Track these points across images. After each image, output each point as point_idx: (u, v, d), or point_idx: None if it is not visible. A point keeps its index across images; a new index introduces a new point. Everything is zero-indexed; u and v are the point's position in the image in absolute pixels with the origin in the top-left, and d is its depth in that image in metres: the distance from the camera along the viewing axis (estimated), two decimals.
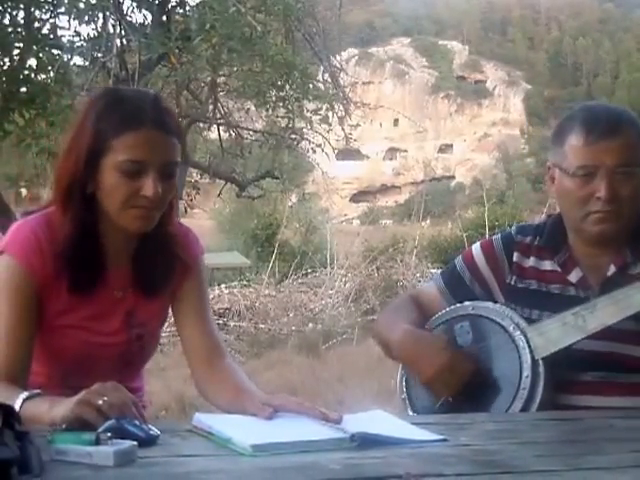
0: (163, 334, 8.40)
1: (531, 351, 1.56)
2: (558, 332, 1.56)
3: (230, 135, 10.59)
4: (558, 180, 1.63)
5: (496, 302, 1.69)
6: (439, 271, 1.87)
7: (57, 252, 1.43)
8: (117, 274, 1.50)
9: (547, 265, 1.68)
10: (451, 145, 78.97)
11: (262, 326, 10.61)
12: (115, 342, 1.51)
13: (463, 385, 1.56)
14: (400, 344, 1.64)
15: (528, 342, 1.56)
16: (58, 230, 1.44)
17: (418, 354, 1.61)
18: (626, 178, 1.58)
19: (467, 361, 1.59)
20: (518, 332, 1.58)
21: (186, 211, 11.04)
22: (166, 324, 1.67)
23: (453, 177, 76.09)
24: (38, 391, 1.29)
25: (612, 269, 1.63)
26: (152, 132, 1.39)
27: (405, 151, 78.18)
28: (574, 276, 1.65)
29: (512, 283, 1.70)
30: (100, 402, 1.18)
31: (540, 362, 1.55)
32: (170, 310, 1.60)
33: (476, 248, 1.76)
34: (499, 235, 1.77)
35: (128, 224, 1.43)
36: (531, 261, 1.70)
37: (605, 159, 1.57)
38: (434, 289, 1.79)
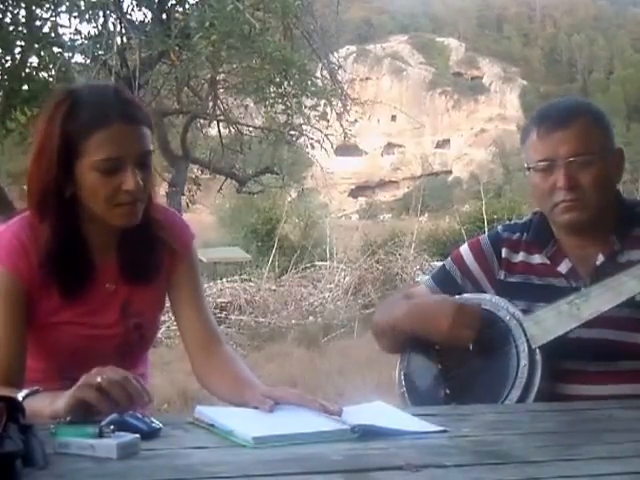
0: (167, 328, 8.34)
1: (527, 340, 1.56)
2: (553, 321, 1.56)
3: (230, 131, 10.60)
4: (529, 177, 1.67)
5: None
6: (429, 275, 1.88)
7: (42, 256, 1.42)
8: (105, 268, 1.49)
9: (536, 259, 1.70)
10: (448, 140, 78.94)
11: (263, 320, 10.61)
12: (113, 334, 1.49)
13: (480, 331, 1.57)
14: (408, 313, 1.65)
15: (524, 331, 1.57)
16: (39, 234, 1.43)
17: (429, 314, 1.61)
18: (584, 166, 1.60)
19: (473, 304, 1.61)
20: (514, 322, 1.58)
21: (188, 206, 11.07)
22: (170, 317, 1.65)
23: (450, 172, 76.08)
24: (37, 388, 1.28)
25: (601, 258, 1.64)
26: (121, 126, 1.37)
27: (403, 146, 78.16)
28: (564, 267, 1.66)
29: (502, 278, 1.71)
30: (99, 379, 1.17)
31: (537, 351, 1.55)
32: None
33: (464, 248, 1.77)
34: (486, 234, 1.79)
35: (115, 221, 1.43)
36: (520, 256, 1.71)
37: (559, 150, 1.60)
38: (425, 290, 1.79)
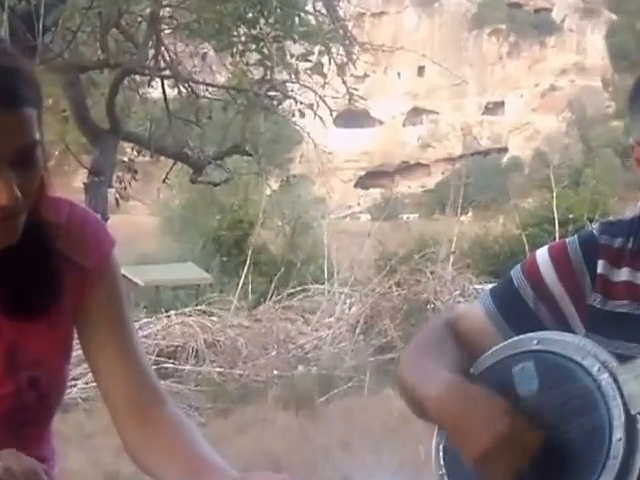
0: (86, 385, 8.28)
1: (624, 403, 1.55)
2: None
3: (180, 93, 10.59)
4: None
5: (573, 332, 1.69)
6: (488, 288, 1.87)
7: None
8: None
9: None
10: (502, 103, 79.15)
11: (231, 371, 10.71)
12: None
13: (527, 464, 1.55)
14: (441, 403, 1.62)
15: (620, 389, 1.56)
16: None
17: (466, 419, 1.58)
18: None
19: (534, 431, 1.57)
20: (605, 375, 1.58)
21: (117, 203, 11.03)
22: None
23: (505, 150, 76.25)
24: None
25: None
26: None
27: (435, 113, 78.32)
28: None
29: (596, 305, 1.70)
30: None
31: (638, 418, 1.54)
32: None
33: (542, 255, 1.76)
34: (575, 237, 1.77)
35: None
36: (623, 273, 1.70)
37: None
38: (481, 314, 1.79)
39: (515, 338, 1.69)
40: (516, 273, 1.78)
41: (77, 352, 1.60)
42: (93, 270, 1.54)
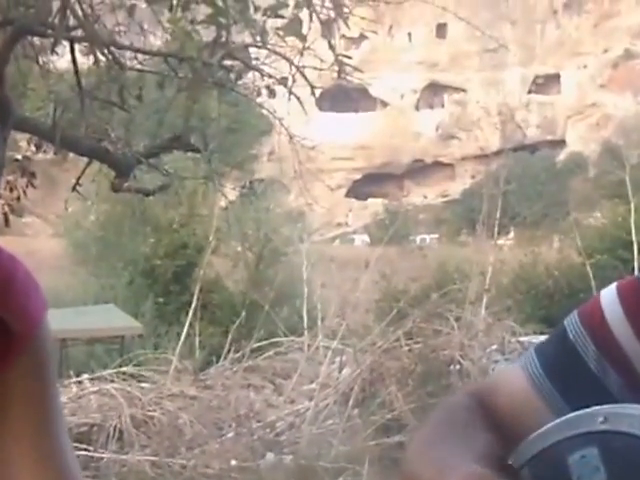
0: None
1: None
2: None
3: (97, 62, 10.62)
4: None
5: None
6: (533, 346, 1.88)
7: None
8: None
9: None
10: (556, 77, 79.62)
11: (169, 460, 10.75)
12: None
13: None
14: None
15: None
16: None
17: None
18: None
19: None
20: None
21: (6, 220, 11.04)
22: None
23: (561, 143, 76.70)
24: None
25: None
26: None
27: (461, 90, 78.76)
28: None
29: None
30: None
31: None
32: None
33: (609, 297, 1.79)
34: None
35: None
36: None
37: None
38: (523, 383, 1.81)
39: (572, 415, 1.67)
40: (572, 323, 1.80)
41: None
42: (15, 340, 1.57)
